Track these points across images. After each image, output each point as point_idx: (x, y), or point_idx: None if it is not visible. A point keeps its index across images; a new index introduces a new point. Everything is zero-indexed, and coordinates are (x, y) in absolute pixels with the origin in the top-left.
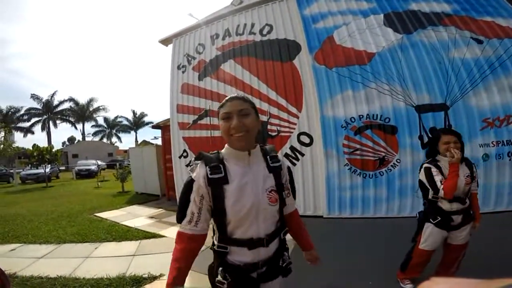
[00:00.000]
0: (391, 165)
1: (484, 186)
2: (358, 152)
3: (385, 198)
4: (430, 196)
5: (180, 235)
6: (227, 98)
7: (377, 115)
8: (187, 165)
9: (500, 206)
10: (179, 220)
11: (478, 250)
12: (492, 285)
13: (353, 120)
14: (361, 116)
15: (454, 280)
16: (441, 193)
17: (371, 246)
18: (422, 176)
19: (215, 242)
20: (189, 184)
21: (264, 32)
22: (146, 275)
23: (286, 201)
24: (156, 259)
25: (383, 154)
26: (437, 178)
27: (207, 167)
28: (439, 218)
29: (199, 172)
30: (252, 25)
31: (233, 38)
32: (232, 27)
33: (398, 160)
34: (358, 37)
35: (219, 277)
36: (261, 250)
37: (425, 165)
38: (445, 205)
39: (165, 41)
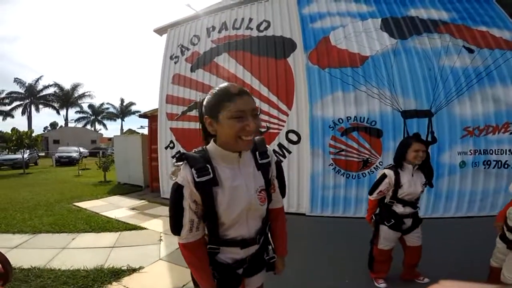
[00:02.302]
0: (374, 167)
1: (459, 192)
2: (343, 153)
3: (366, 199)
4: (386, 200)
5: (186, 247)
6: (231, 89)
7: (364, 117)
8: (173, 157)
9: (472, 211)
10: (177, 231)
11: (449, 254)
12: None
13: (341, 121)
14: (348, 118)
15: (462, 283)
16: (369, 195)
17: (350, 245)
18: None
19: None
20: (179, 190)
21: (261, 28)
22: (125, 268)
23: (272, 196)
24: (136, 252)
25: (367, 156)
26: (381, 188)
27: (193, 169)
28: (393, 221)
29: (185, 175)
30: (250, 20)
31: (230, 31)
32: (229, 20)
33: (380, 163)
34: (354, 39)
35: None
36: (251, 247)
37: (385, 171)
38: (399, 209)
39: (160, 31)
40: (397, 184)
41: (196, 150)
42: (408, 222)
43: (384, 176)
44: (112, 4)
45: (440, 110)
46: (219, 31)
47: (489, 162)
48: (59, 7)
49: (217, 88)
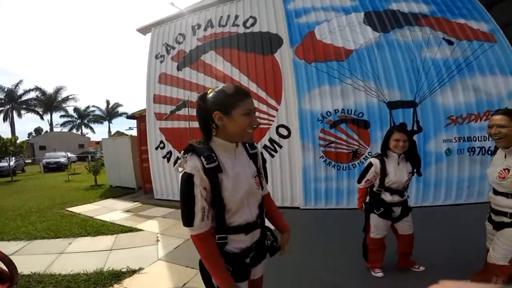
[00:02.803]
0: (363, 158)
1: (447, 180)
2: (333, 145)
3: (358, 189)
4: (374, 189)
5: (200, 237)
6: (241, 92)
7: (351, 110)
8: (163, 157)
9: (460, 199)
10: (190, 222)
11: (443, 241)
12: None
13: (329, 114)
14: (336, 111)
15: (462, 283)
16: (358, 184)
17: (345, 236)
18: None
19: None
20: (189, 179)
21: (248, 24)
22: (125, 269)
23: (262, 183)
24: (134, 253)
25: (356, 147)
26: (368, 176)
27: (201, 157)
28: (382, 209)
29: (194, 164)
30: (236, 17)
31: (216, 29)
32: (215, 18)
33: (370, 153)
34: (338, 33)
35: None
36: (254, 232)
37: (371, 159)
38: (387, 197)
39: (143, 30)
40: (383, 173)
41: (197, 142)
42: (397, 211)
43: (370, 165)
44: (92, 3)
45: (424, 100)
46: (205, 29)
47: (473, 149)
48: (37, 9)
49: (226, 89)
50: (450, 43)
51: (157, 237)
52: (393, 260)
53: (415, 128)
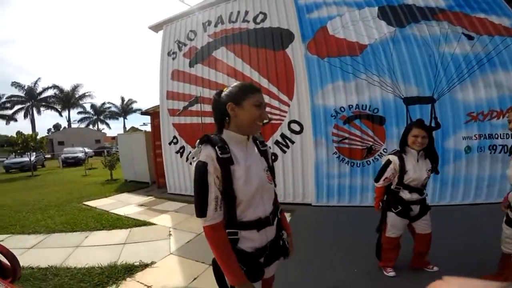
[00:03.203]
0: (378, 155)
1: (465, 178)
2: (346, 141)
3: (372, 187)
4: (392, 187)
5: (213, 228)
6: (252, 86)
7: (366, 105)
8: (177, 152)
9: (479, 198)
10: (203, 212)
11: (459, 241)
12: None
13: (342, 109)
14: (350, 106)
15: (465, 280)
16: (375, 183)
17: (357, 235)
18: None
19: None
20: (204, 167)
21: (258, 20)
22: (138, 263)
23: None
24: (147, 247)
25: (371, 143)
26: (387, 174)
27: (216, 147)
28: (400, 208)
29: (208, 153)
30: (246, 13)
31: (226, 25)
32: (225, 14)
33: (385, 150)
34: (352, 28)
35: None
36: (267, 230)
37: (389, 156)
38: (405, 195)
39: (155, 27)
40: (402, 170)
41: (211, 134)
42: (416, 209)
43: (388, 162)
44: (105, 2)
45: (443, 96)
46: (216, 25)
47: (495, 147)
48: (53, 9)
49: (239, 84)
50: (470, 38)
51: (170, 232)
52: (406, 259)
53: (433, 124)
